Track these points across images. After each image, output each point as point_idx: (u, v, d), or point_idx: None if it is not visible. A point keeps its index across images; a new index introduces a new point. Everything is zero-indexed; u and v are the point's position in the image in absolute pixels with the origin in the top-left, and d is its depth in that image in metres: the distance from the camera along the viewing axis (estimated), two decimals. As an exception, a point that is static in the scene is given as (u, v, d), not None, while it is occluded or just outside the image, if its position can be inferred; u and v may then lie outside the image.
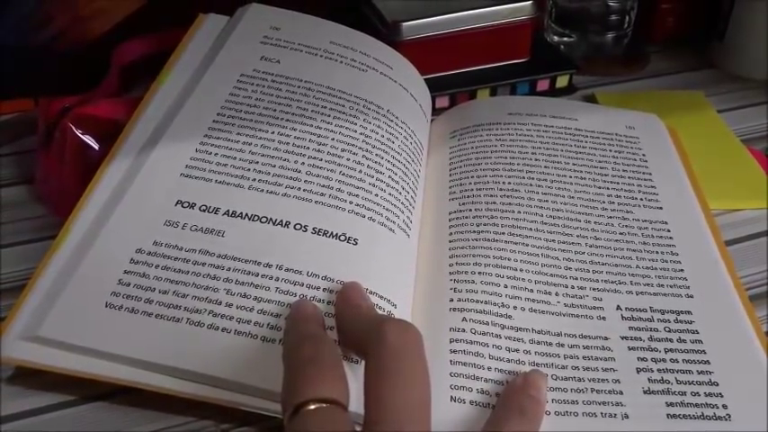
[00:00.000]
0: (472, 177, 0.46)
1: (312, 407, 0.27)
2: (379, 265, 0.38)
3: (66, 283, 0.35)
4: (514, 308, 0.37)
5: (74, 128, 0.45)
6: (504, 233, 0.41)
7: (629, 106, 0.57)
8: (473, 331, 0.36)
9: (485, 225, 0.42)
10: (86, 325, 0.34)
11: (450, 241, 0.42)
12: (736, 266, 0.42)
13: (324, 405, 0.27)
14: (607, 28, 0.65)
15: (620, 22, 0.65)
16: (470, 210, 0.43)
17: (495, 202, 0.44)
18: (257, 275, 0.36)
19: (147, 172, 0.40)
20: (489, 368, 0.34)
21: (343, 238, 0.38)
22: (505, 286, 0.38)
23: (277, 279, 0.36)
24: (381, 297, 0.36)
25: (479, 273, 0.39)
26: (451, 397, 0.33)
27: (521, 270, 0.39)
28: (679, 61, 0.67)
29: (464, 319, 0.36)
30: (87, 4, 0.55)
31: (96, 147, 0.45)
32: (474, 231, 0.42)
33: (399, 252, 0.40)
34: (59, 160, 0.46)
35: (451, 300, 0.38)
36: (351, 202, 0.40)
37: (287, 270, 0.36)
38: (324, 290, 0.36)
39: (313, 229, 0.38)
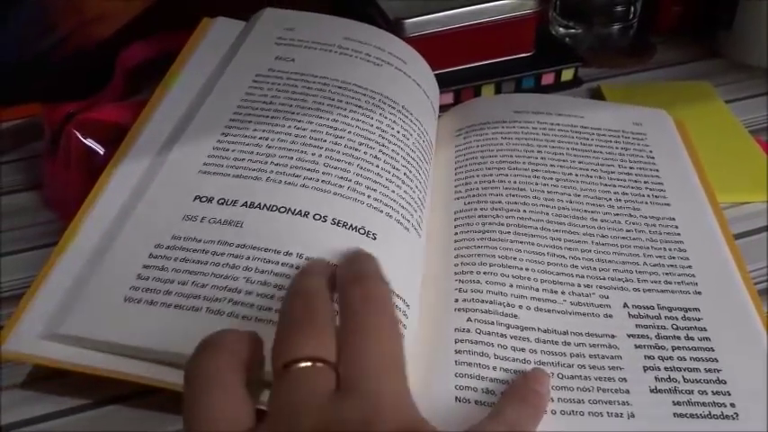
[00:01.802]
0: (478, 176, 0.46)
1: (301, 365, 0.26)
2: (395, 263, 0.38)
3: (86, 281, 0.35)
4: (520, 307, 0.37)
5: (78, 133, 0.45)
6: (509, 232, 0.41)
7: (635, 98, 0.57)
8: (478, 331, 0.36)
9: (490, 224, 0.42)
10: (105, 319, 0.34)
11: (455, 241, 0.42)
12: (745, 261, 0.42)
13: (312, 364, 0.26)
14: (612, 19, 0.64)
15: (626, 12, 0.64)
16: (475, 209, 0.43)
17: (500, 201, 0.43)
18: (277, 264, 0.36)
19: (166, 171, 0.40)
20: (494, 368, 0.34)
21: (362, 231, 0.38)
22: (511, 285, 0.38)
23: (297, 267, 0.35)
24: (398, 296, 0.36)
25: (485, 273, 0.39)
26: (456, 397, 0.33)
27: (526, 269, 0.39)
28: (686, 51, 0.67)
29: (469, 320, 0.36)
30: (92, 7, 0.55)
31: (101, 151, 0.45)
32: (479, 231, 0.42)
33: (412, 251, 0.40)
34: (65, 166, 0.46)
35: (456, 300, 0.38)
36: (369, 196, 0.40)
37: (307, 259, 0.36)
38: None
39: (332, 219, 0.38)
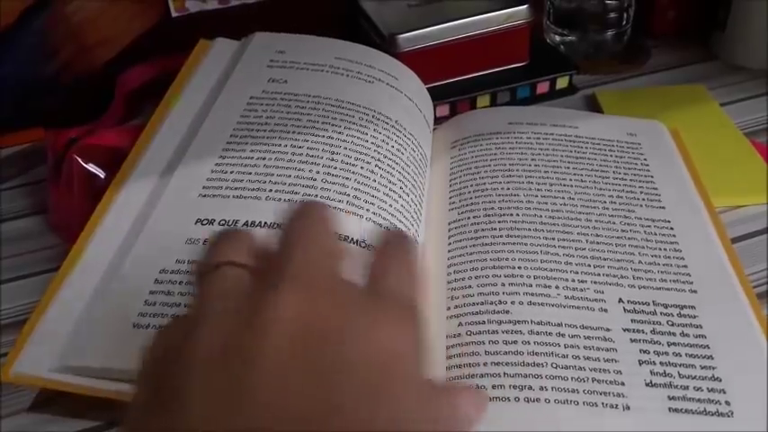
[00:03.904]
0: (471, 186, 0.46)
1: (218, 268, 0.25)
2: None
3: (93, 310, 0.36)
4: (512, 303, 0.38)
5: (79, 159, 0.46)
6: (501, 236, 0.42)
7: (629, 104, 0.57)
8: (468, 333, 0.36)
9: (482, 230, 0.42)
10: (116, 348, 0.34)
11: (448, 251, 0.42)
12: (745, 264, 0.42)
13: (228, 266, 0.26)
14: (606, 26, 0.65)
15: (619, 19, 0.65)
16: (468, 218, 0.44)
17: (493, 208, 0.44)
18: None
19: (167, 197, 0.41)
20: (485, 363, 0.35)
21: (362, 245, 0.38)
22: (503, 284, 0.39)
23: None
24: None
25: (476, 276, 0.39)
26: None
27: (519, 268, 0.40)
28: (681, 55, 0.67)
29: (460, 324, 0.37)
30: (92, 32, 0.56)
31: (103, 176, 0.46)
32: (472, 238, 0.42)
33: None
34: (68, 191, 0.47)
35: (448, 308, 0.38)
36: (368, 210, 0.40)
37: None
38: None
39: None
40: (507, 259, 0.40)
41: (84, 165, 0.46)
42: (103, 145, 0.48)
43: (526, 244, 0.41)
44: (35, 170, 0.55)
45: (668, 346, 0.36)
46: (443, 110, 0.57)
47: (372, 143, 0.45)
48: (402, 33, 0.55)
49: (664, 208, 0.45)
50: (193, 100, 0.48)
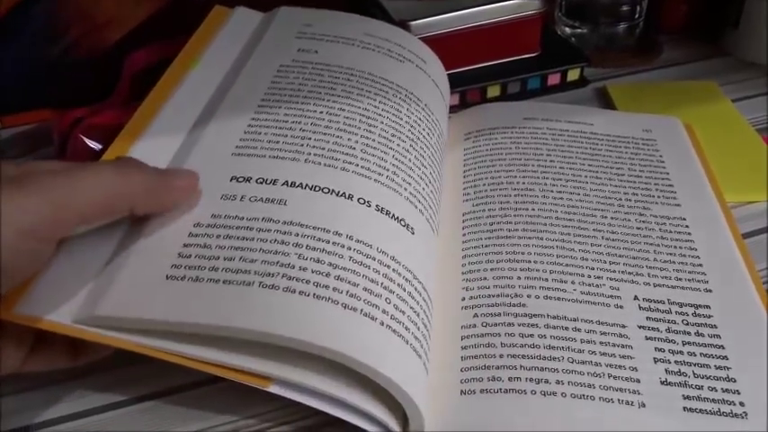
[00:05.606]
0: (486, 178, 0.46)
1: None
2: (426, 262, 0.38)
3: (120, 263, 0.33)
4: (528, 296, 0.37)
5: (85, 138, 0.46)
6: (517, 229, 0.42)
7: (641, 98, 0.57)
8: (484, 324, 0.36)
9: (498, 223, 0.42)
10: (147, 298, 0.32)
11: (463, 242, 0.42)
12: (754, 260, 0.41)
13: None
14: (618, 19, 0.64)
15: (632, 12, 0.64)
16: (484, 210, 0.43)
17: (508, 202, 0.44)
18: (328, 242, 0.34)
19: (198, 153, 0.39)
20: (501, 356, 0.35)
21: (403, 223, 0.37)
22: (518, 278, 0.38)
23: (349, 248, 0.34)
24: (429, 296, 0.36)
25: (492, 269, 0.39)
26: (461, 390, 0.34)
27: (535, 262, 0.39)
28: (693, 50, 0.66)
29: (475, 315, 0.37)
30: (102, 11, 0.56)
31: (106, 153, 0.46)
32: (487, 230, 0.42)
33: (434, 252, 0.40)
34: (74, 170, 0.46)
35: (463, 299, 0.38)
36: (405, 189, 0.39)
37: (357, 241, 0.35)
38: (394, 270, 0.34)
39: (376, 206, 0.37)
40: (523, 253, 0.40)
41: (91, 145, 0.46)
42: (108, 124, 0.47)
43: (542, 238, 0.41)
44: (41, 150, 0.54)
45: (683, 345, 0.36)
46: (454, 99, 0.57)
47: (407, 122, 0.43)
48: (413, 21, 0.55)
49: (679, 205, 0.45)
50: (216, 64, 0.46)
